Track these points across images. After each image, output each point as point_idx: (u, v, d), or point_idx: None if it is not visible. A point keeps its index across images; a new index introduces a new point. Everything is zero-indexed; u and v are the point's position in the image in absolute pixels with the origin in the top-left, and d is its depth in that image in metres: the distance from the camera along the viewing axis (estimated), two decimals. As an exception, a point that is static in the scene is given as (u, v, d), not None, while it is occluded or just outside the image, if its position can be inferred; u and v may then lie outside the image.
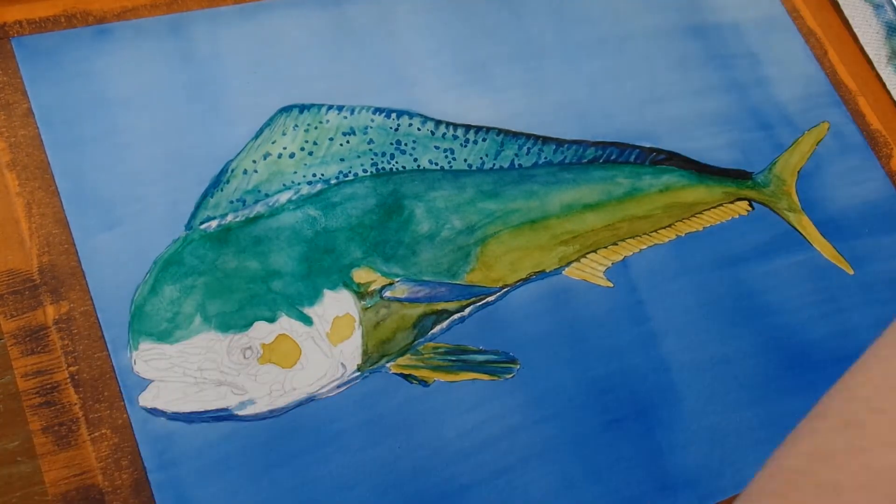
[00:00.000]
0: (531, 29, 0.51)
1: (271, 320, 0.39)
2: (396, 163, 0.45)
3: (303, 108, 0.45)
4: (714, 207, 0.49)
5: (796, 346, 0.46)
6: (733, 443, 0.43)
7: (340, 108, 0.45)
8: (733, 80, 0.54)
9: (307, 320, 0.39)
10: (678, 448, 0.42)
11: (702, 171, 0.50)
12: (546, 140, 0.48)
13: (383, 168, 0.44)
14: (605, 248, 0.46)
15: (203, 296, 0.39)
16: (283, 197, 0.42)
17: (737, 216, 0.49)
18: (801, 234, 0.50)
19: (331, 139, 0.44)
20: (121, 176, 0.41)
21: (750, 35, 0.56)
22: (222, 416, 0.37)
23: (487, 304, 0.43)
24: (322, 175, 0.43)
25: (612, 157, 0.49)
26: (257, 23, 0.46)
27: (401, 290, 0.42)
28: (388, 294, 0.41)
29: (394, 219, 0.43)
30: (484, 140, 0.47)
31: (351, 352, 0.40)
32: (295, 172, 0.43)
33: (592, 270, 0.45)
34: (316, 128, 0.44)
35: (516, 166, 0.47)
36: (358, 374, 0.40)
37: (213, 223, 0.41)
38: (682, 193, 0.49)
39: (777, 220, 0.50)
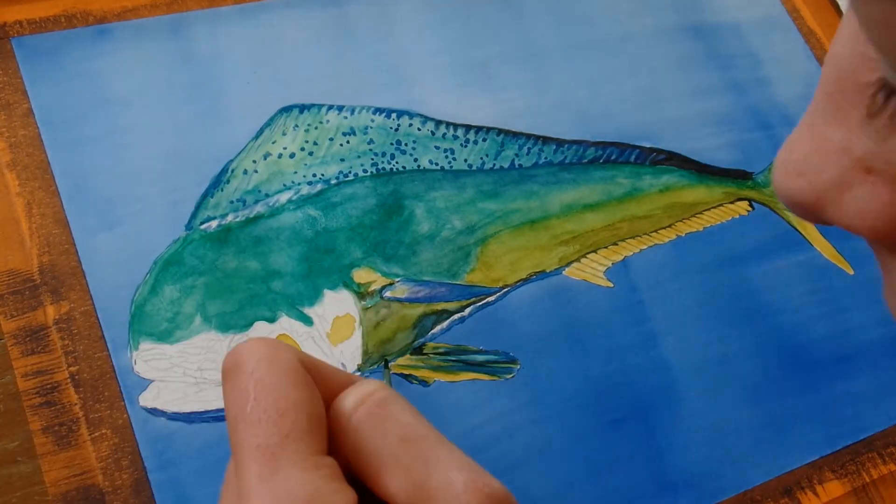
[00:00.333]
0: (531, 29, 0.51)
1: (271, 320, 0.39)
2: (396, 163, 0.45)
3: (303, 108, 0.45)
4: (714, 207, 0.49)
5: (796, 345, 0.46)
6: (733, 442, 0.43)
7: (340, 109, 0.45)
8: (733, 80, 0.54)
9: (307, 320, 0.39)
10: (678, 448, 0.42)
11: (702, 171, 0.50)
12: (546, 140, 0.48)
13: (383, 168, 0.44)
14: (606, 248, 0.46)
15: (203, 296, 0.39)
16: (284, 197, 0.42)
17: (737, 216, 0.49)
18: (802, 234, 0.50)
19: (331, 139, 0.44)
20: (121, 176, 0.41)
21: (750, 35, 0.56)
22: (223, 416, 0.37)
23: (487, 304, 0.43)
24: (322, 175, 0.43)
25: (613, 157, 0.49)
26: (257, 23, 0.46)
27: (401, 290, 0.42)
28: (388, 294, 0.41)
29: (394, 219, 0.43)
30: (484, 140, 0.47)
31: (351, 352, 0.40)
32: (295, 172, 0.43)
33: (592, 270, 0.45)
34: (316, 128, 0.44)
35: (516, 166, 0.47)
36: (358, 374, 0.40)
37: (214, 223, 0.41)
38: (682, 193, 0.49)
39: (777, 220, 0.50)
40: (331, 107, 0.45)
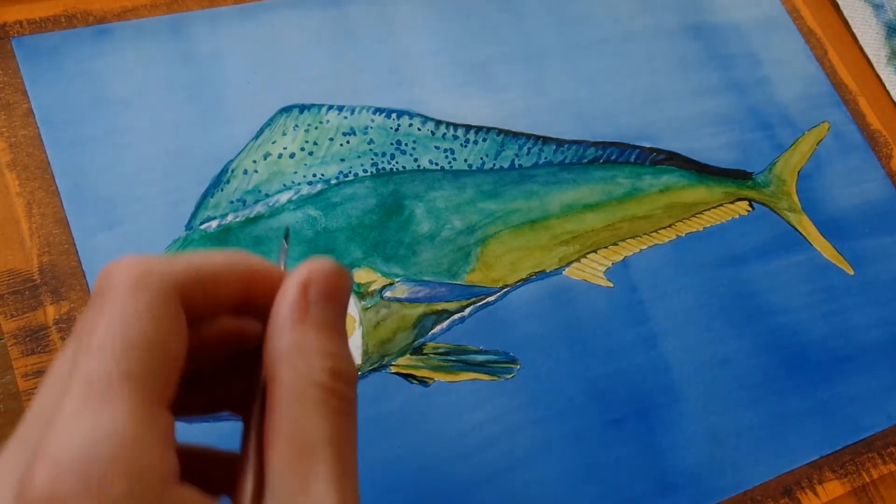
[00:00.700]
0: (532, 29, 0.51)
1: (271, 320, 0.39)
2: (397, 163, 0.45)
3: (303, 108, 0.45)
4: (714, 207, 0.49)
5: (796, 345, 0.46)
6: (733, 443, 0.43)
7: (340, 109, 0.45)
8: (733, 80, 0.54)
9: (307, 320, 0.39)
10: (678, 448, 0.42)
11: (702, 171, 0.50)
12: (546, 140, 0.48)
13: (383, 168, 0.44)
14: (606, 248, 0.46)
15: (203, 296, 0.39)
16: (284, 197, 0.42)
17: (737, 216, 0.49)
18: (802, 234, 0.50)
19: (331, 139, 0.44)
20: (121, 176, 0.41)
21: (750, 35, 0.56)
22: (223, 416, 0.37)
23: (487, 304, 0.43)
24: (322, 175, 0.43)
25: (613, 158, 0.49)
26: (257, 23, 0.46)
27: (401, 290, 0.42)
28: (388, 294, 0.41)
29: (394, 219, 0.43)
30: (484, 140, 0.47)
31: (351, 352, 0.40)
32: (295, 172, 0.43)
33: (593, 270, 0.45)
34: (316, 128, 0.44)
35: (516, 166, 0.47)
36: (358, 374, 0.40)
37: (214, 223, 0.41)
38: (682, 193, 0.49)
39: (777, 221, 0.50)
40: (331, 107, 0.45)
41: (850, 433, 0.45)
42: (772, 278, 0.48)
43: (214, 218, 0.41)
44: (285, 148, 0.43)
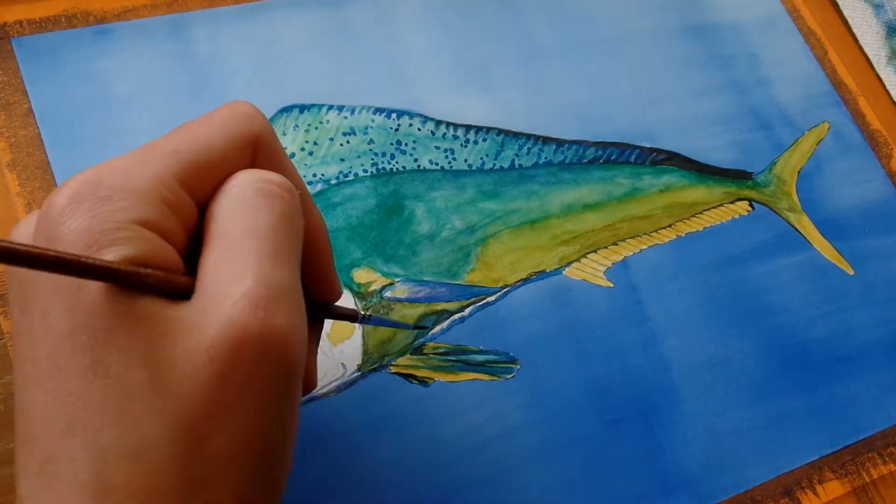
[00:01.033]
0: (532, 29, 0.51)
1: (271, 320, 0.39)
2: (397, 163, 0.45)
3: (303, 108, 0.45)
4: (714, 207, 0.49)
5: (796, 345, 0.46)
6: (733, 443, 0.43)
7: (340, 109, 0.45)
8: (733, 80, 0.54)
9: (307, 320, 0.39)
10: (678, 448, 0.42)
11: (702, 171, 0.50)
12: (546, 140, 0.48)
13: (383, 168, 0.44)
14: (606, 248, 0.46)
15: (203, 296, 0.39)
16: (284, 197, 0.42)
17: (737, 216, 0.49)
18: (802, 234, 0.50)
19: (331, 139, 0.44)
20: (121, 176, 0.41)
21: (750, 35, 0.56)
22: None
23: (488, 304, 0.43)
24: (322, 175, 0.43)
25: (613, 158, 0.49)
26: (257, 23, 0.46)
27: (401, 290, 0.42)
28: (388, 294, 0.41)
29: (394, 219, 0.43)
30: (484, 140, 0.47)
31: (351, 352, 0.40)
32: (295, 172, 0.43)
33: (593, 270, 0.45)
34: (316, 128, 0.44)
35: (516, 166, 0.47)
36: (358, 374, 0.40)
37: (214, 223, 0.41)
38: (682, 193, 0.49)
39: (777, 220, 0.50)
40: (331, 107, 0.45)
41: (851, 433, 0.45)
42: (772, 278, 0.48)
43: (214, 218, 0.41)
44: (285, 148, 0.43)
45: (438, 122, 0.46)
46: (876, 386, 0.46)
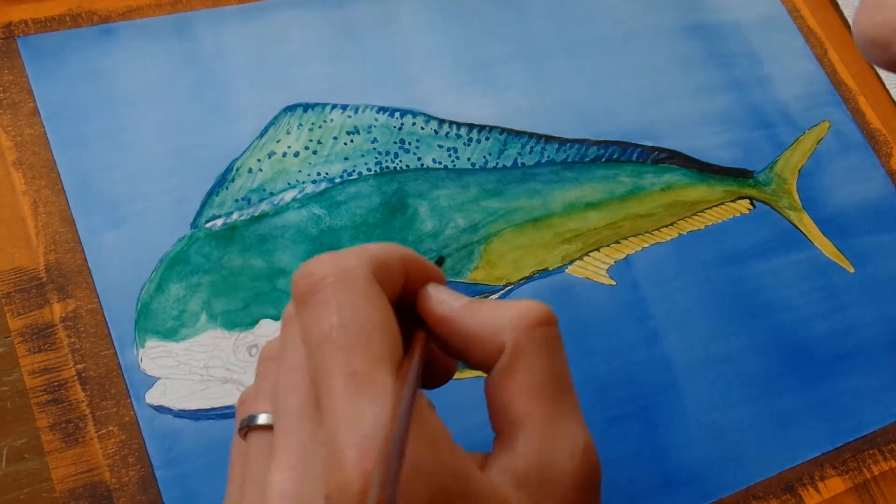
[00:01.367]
0: (534, 28, 0.51)
1: (277, 318, 0.39)
2: (400, 161, 0.45)
3: (307, 107, 0.45)
4: (715, 206, 0.49)
5: (797, 343, 0.46)
6: (735, 440, 0.43)
7: (344, 108, 0.45)
8: (734, 79, 0.54)
9: (312, 318, 0.40)
10: (680, 445, 0.42)
11: (703, 169, 0.50)
12: (549, 139, 0.48)
13: (387, 167, 0.45)
14: (608, 246, 0.46)
15: (209, 294, 0.39)
16: (288, 195, 0.42)
17: (738, 214, 0.50)
18: (802, 232, 0.50)
19: (335, 138, 0.44)
20: (126, 174, 0.41)
21: (750, 34, 0.56)
22: (228, 413, 0.37)
23: (491, 301, 0.43)
24: (326, 174, 0.43)
25: (615, 156, 0.49)
26: (261, 22, 0.47)
27: (405, 288, 0.42)
28: (392, 292, 0.42)
29: (398, 217, 0.43)
30: (487, 139, 0.47)
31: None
32: (299, 171, 0.43)
33: (595, 268, 0.45)
34: (320, 127, 0.45)
35: (519, 165, 0.47)
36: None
37: (219, 222, 0.41)
38: (683, 192, 0.49)
39: (778, 219, 0.50)
40: (335, 106, 0.45)
41: (852, 430, 0.45)
42: (773, 276, 0.48)
43: (220, 216, 0.41)
44: (289, 147, 0.43)
45: (441, 121, 0.46)
46: (877, 383, 0.46)
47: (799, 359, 0.46)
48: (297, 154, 0.43)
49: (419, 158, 0.45)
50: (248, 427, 0.26)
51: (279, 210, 0.42)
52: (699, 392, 0.44)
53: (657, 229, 0.48)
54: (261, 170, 0.43)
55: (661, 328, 0.45)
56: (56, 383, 0.36)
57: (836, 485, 0.43)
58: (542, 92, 0.49)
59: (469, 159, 0.46)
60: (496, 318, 0.26)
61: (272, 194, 0.42)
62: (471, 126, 0.47)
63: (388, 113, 0.46)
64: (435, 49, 0.49)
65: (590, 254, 0.46)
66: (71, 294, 0.38)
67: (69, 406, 0.36)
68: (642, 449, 0.42)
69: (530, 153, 0.47)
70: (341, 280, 0.22)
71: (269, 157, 0.43)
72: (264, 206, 0.42)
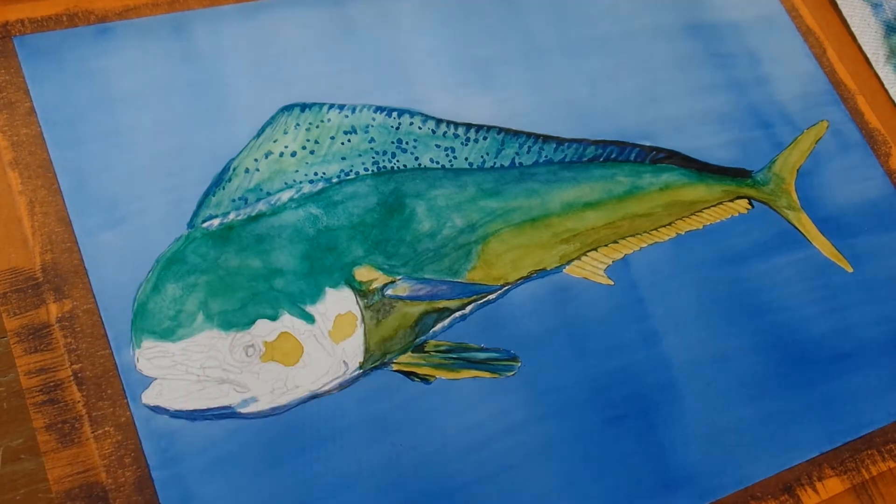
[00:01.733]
0: (532, 28, 0.51)
1: (273, 318, 0.39)
2: (398, 161, 0.45)
3: (304, 106, 0.45)
4: (714, 206, 0.49)
5: (796, 343, 0.46)
6: (733, 439, 0.43)
7: (342, 107, 0.45)
8: (733, 78, 0.54)
9: (309, 318, 0.40)
10: (679, 445, 0.42)
11: (702, 169, 0.50)
12: (546, 139, 0.48)
13: (384, 166, 0.44)
14: (606, 246, 0.46)
15: (205, 294, 0.39)
16: (285, 195, 0.42)
17: (736, 214, 0.49)
18: (801, 231, 0.50)
19: (332, 138, 0.44)
20: (123, 174, 0.41)
21: (749, 34, 0.56)
22: (225, 413, 0.37)
23: (489, 302, 0.43)
24: (323, 174, 0.43)
25: (613, 156, 0.49)
26: (258, 22, 0.47)
27: (402, 288, 0.42)
28: (389, 292, 0.41)
29: (395, 217, 0.43)
30: (485, 139, 0.47)
31: (353, 350, 0.40)
32: (296, 171, 0.43)
33: (593, 268, 0.45)
34: (317, 126, 0.44)
35: (517, 165, 0.47)
36: (360, 371, 0.40)
37: (216, 221, 0.41)
38: (682, 192, 0.49)
39: (777, 219, 0.50)
40: (332, 105, 0.45)
41: (850, 430, 0.45)
42: (771, 276, 0.48)
43: (216, 216, 0.41)
44: (287, 146, 0.43)
45: (439, 121, 0.46)
46: (875, 383, 0.46)
47: (797, 359, 0.46)
48: (294, 154, 0.43)
49: (417, 158, 0.45)
50: None
51: (276, 210, 0.42)
52: (698, 392, 0.44)
53: (655, 229, 0.47)
54: (258, 170, 0.42)
55: (660, 328, 0.45)
56: (52, 384, 0.36)
57: (834, 485, 0.43)
58: (540, 91, 0.49)
59: (467, 159, 0.46)
60: None
61: (269, 194, 0.42)
62: (468, 126, 0.47)
63: (385, 112, 0.46)
64: (433, 49, 0.49)
65: (588, 253, 0.46)
66: (67, 294, 0.38)
67: (65, 406, 0.36)
68: (641, 449, 0.42)
69: (528, 153, 0.47)
70: None
71: (267, 157, 0.43)
72: (261, 206, 0.42)
